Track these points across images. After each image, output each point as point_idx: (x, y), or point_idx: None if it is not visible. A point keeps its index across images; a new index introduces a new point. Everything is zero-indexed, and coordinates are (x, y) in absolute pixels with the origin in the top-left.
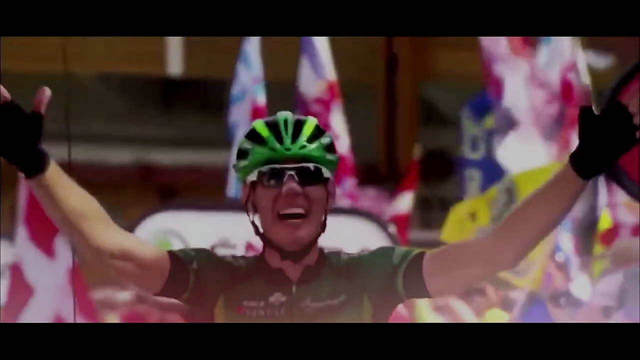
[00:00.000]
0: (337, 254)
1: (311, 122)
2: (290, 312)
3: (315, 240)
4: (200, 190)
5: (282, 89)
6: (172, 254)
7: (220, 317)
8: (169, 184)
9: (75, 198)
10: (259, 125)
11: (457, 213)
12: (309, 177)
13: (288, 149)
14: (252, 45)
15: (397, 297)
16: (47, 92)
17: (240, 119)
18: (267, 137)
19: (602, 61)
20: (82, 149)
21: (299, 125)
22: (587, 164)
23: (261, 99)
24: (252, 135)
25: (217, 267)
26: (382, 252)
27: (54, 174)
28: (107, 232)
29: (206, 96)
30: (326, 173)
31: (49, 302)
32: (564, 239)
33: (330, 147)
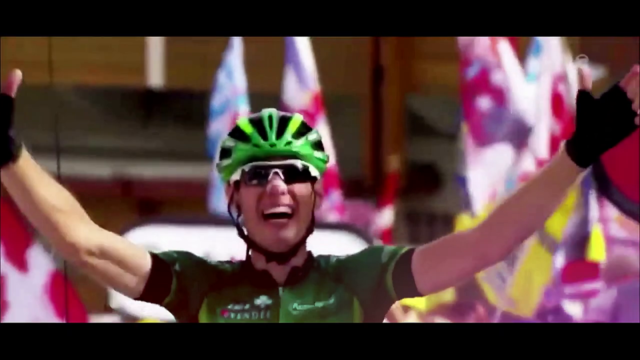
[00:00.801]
0: (326, 257)
1: (297, 118)
2: (276, 315)
3: (302, 242)
4: (181, 205)
5: (266, 101)
6: (153, 254)
7: (203, 321)
8: (149, 198)
9: (50, 190)
10: (243, 122)
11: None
12: (296, 175)
13: (273, 145)
14: (235, 56)
15: (388, 298)
16: (18, 74)
17: (222, 131)
18: (250, 134)
19: (595, 72)
20: (60, 161)
21: (284, 121)
22: (584, 150)
23: (244, 111)
24: (236, 133)
25: (201, 270)
26: (370, 252)
27: (27, 163)
28: (84, 228)
29: (188, 108)
30: (314, 171)
31: (24, 316)
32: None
33: (318, 145)
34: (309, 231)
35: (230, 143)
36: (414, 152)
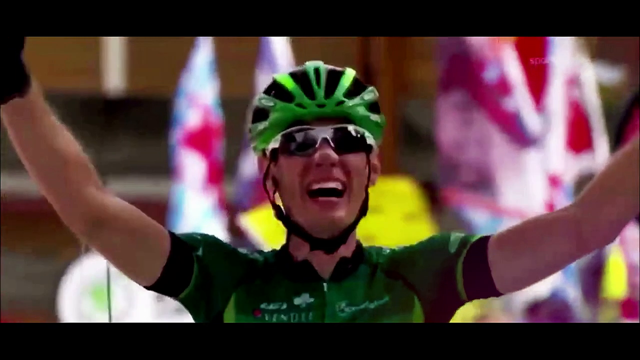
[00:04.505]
0: (377, 248)
1: (350, 73)
2: (320, 317)
3: (354, 226)
4: None
5: (238, 106)
6: (173, 234)
7: (230, 321)
8: None
9: (62, 138)
10: (283, 77)
11: None
12: (349, 143)
13: (321, 105)
14: (203, 57)
15: (457, 297)
16: None
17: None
18: (293, 90)
19: (612, 75)
20: (9, 177)
21: (334, 77)
22: None
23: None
24: (274, 89)
25: (229, 259)
26: (434, 242)
27: (37, 99)
28: (97, 192)
29: (151, 116)
30: (369, 139)
31: None
32: (568, 286)
33: (374, 106)
34: (362, 213)
35: (267, 102)
36: (409, 162)
